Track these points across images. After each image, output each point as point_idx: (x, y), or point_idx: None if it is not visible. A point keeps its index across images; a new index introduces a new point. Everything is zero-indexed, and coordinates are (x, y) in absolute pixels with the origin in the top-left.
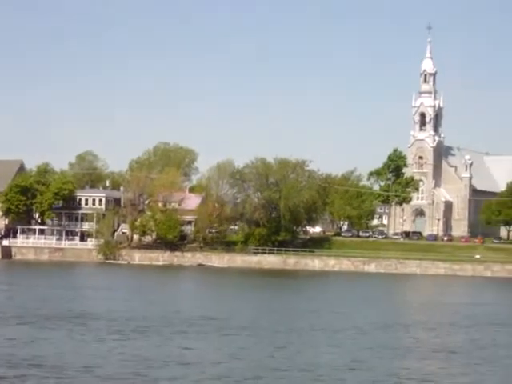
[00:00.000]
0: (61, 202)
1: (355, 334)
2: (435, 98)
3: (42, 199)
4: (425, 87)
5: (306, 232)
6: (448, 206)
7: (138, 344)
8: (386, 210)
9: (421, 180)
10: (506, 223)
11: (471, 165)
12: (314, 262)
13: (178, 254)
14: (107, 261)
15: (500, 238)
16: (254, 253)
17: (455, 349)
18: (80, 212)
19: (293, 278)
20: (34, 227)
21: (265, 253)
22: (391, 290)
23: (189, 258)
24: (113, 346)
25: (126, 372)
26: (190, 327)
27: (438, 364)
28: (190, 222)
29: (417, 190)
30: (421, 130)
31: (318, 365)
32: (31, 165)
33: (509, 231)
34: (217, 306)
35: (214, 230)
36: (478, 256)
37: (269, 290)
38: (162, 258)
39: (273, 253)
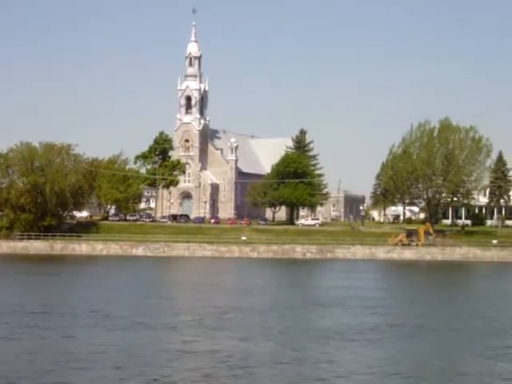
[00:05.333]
0: None
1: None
2: (201, 82)
3: None
4: (190, 70)
5: (72, 217)
6: (214, 189)
7: None
8: (154, 194)
9: (187, 163)
10: (272, 205)
11: (237, 148)
12: (82, 247)
13: None
14: None
15: (266, 220)
16: (20, 238)
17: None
18: None
19: (61, 263)
20: None
21: (31, 238)
22: (164, 273)
23: None
24: None
25: None
26: None
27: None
28: None
29: (183, 172)
30: (187, 113)
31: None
32: None
33: (274, 212)
34: None
35: None
36: (244, 238)
37: (33, 275)
38: None
39: (39, 238)
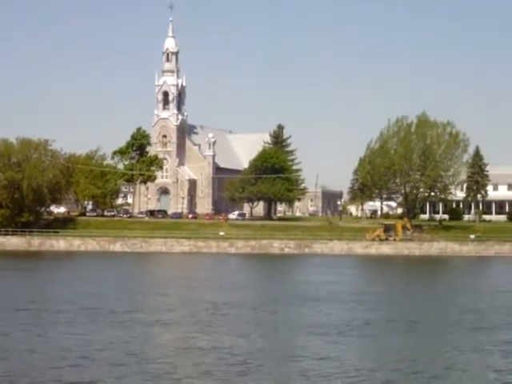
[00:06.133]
0: None
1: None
2: (178, 77)
3: None
4: (168, 66)
5: (50, 212)
6: (192, 184)
7: None
8: (131, 189)
9: (165, 158)
10: (249, 200)
11: (214, 143)
12: (59, 243)
13: None
14: None
15: (243, 215)
16: None
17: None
18: None
19: (39, 259)
20: None
21: (8, 234)
22: (146, 269)
23: None
24: None
25: None
26: None
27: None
28: None
29: (161, 168)
30: (164, 108)
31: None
32: None
33: (252, 208)
34: None
35: None
36: (222, 233)
37: (14, 271)
38: None
39: (16, 234)
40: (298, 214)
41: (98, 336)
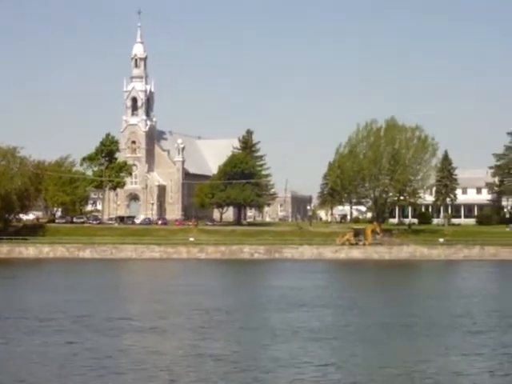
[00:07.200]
0: None
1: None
2: (147, 83)
3: None
4: (136, 72)
5: (19, 219)
6: (162, 190)
7: None
8: (100, 196)
9: (134, 164)
10: (219, 206)
11: (183, 149)
12: (28, 250)
13: None
14: None
15: (213, 221)
16: None
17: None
18: None
19: (9, 266)
20: None
21: None
22: (121, 276)
23: None
24: None
25: None
26: None
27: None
28: None
29: (130, 174)
30: (133, 114)
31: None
32: None
33: (221, 213)
34: None
35: None
36: (192, 239)
37: None
38: None
39: None
40: (267, 219)
41: (94, 345)
